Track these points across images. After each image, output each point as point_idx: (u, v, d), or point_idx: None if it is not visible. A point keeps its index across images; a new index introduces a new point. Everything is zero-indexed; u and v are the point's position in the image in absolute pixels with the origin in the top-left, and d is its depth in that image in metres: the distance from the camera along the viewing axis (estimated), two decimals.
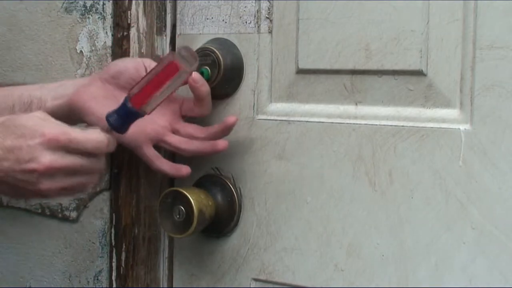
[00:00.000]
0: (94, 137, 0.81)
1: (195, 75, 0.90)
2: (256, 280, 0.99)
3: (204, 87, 0.91)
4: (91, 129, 0.83)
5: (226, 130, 0.93)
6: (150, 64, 0.93)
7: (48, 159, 0.79)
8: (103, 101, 0.92)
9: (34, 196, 0.83)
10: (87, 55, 1.07)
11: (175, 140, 0.95)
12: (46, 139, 0.79)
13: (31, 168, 0.78)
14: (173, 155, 1.02)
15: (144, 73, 0.89)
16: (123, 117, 0.84)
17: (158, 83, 0.82)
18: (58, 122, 0.82)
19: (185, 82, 0.88)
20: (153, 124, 0.94)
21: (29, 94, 0.94)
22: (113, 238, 1.06)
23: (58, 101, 0.94)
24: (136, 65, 0.94)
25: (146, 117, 0.85)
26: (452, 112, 0.86)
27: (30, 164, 0.78)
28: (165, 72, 0.82)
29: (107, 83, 0.94)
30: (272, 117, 0.97)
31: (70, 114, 0.93)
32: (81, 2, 1.07)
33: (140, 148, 0.95)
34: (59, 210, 1.10)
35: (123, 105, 0.84)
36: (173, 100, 0.95)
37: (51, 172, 0.79)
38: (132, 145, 0.95)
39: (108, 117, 0.84)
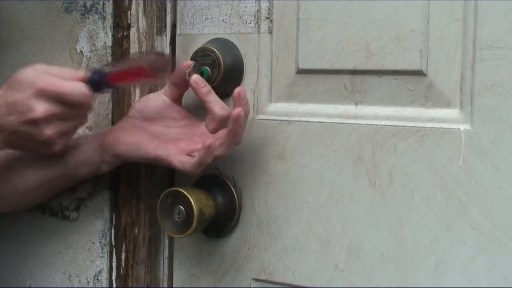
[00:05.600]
0: (79, 90, 0.86)
1: (196, 77, 0.92)
2: (256, 280, 0.99)
3: (205, 88, 0.92)
4: (77, 82, 0.87)
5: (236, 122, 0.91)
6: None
7: (43, 107, 0.85)
8: (131, 129, 0.96)
9: (43, 146, 0.89)
10: (87, 55, 1.07)
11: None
12: (37, 90, 0.85)
13: (31, 117, 0.85)
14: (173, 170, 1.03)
15: (165, 105, 0.97)
16: (98, 82, 0.90)
17: (130, 76, 0.90)
18: (54, 73, 0.87)
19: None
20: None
21: None
22: (113, 238, 1.06)
23: (91, 143, 0.98)
24: (157, 96, 0.97)
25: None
26: (452, 112, 0.86)
27: (29, 114, 0.85)
28: (137, 72, 0.89)
29: (134, 118, 0.97)
30: (272, 117, 0.97)
31: (102, 154, 0.97)
32: (81, 2, 1.07)
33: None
34: (59, 210, 1.10)
35: (100, 76, 0.90)
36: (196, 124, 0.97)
37: (48, 118, 0.86)
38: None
39: (92, 74, 0.90)
